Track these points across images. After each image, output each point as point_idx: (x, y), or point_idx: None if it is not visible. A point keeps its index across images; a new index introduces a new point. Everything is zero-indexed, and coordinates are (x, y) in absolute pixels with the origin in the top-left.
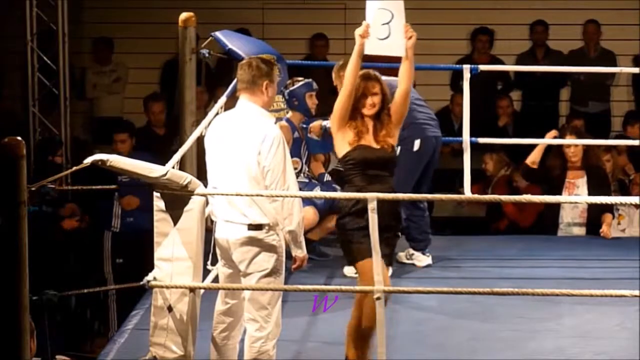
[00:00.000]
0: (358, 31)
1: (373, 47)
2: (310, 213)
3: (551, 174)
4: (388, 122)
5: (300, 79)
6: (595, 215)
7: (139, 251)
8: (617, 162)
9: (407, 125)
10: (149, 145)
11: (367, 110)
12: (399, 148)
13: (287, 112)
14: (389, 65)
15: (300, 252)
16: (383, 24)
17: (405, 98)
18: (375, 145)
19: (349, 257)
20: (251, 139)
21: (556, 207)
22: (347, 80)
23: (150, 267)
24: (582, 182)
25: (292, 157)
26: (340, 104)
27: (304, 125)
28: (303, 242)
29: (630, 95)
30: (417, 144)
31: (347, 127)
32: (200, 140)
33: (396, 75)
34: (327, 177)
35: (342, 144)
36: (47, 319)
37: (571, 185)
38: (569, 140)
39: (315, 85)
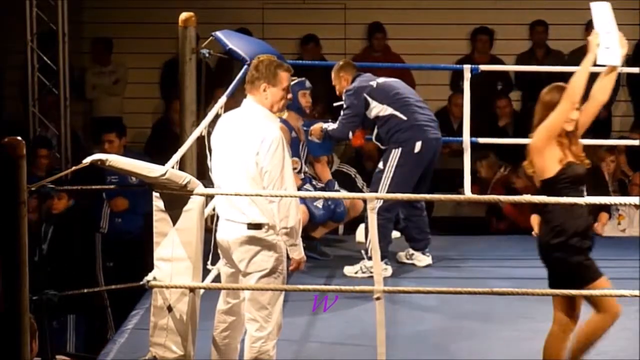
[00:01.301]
0: (595, 40)
1: (599, 57)
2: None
3: None
4: (577, 136)
5: (293, 77)
6: (594, 216)
7: (127, 254)
8: (618, 163)
9: (409, 127)
10: (165, 143)
11: (569, 126)
12: (400, 149)
13: (285, 112)
14: (389, 65)
15: (297, 255)
16: (607, 32)
17: (599, 110)
18: (576, 161)
19: (580, 278)
20: (251, 140)
21: None
22: (575, 92)
23: (140, 269)
24: None
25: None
26: (560, 117)
27: (305, 128)
28: (300, 244)
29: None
30: (418, 145)
31: (553, 143)
32: (200, 140)
33: (393, 76)
34: (337, 186)
35: (551, 161)
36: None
37: None
38: None
39: (308, 84)
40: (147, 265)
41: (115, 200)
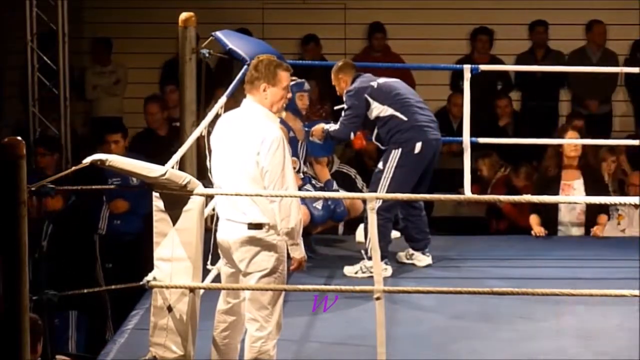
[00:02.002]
0: None
1: None
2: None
3: (547, 175)
4: None
5: (293, 78)
6: (593, 217)
7: (126, 255)
8: (618, 163)
9: (409, 128)
10: (149, 146)
11: None
12: (400, 150)
13: (283, 112)
14: (389, 65)
15: (298, 254)
16: None
17: None
18: None
19: None
20: (251, 140)
21: (555, 207)
22: None
23: (140, 270)
24: (578, 184)
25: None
26: None
27: (306, 129)
28: (301, 244)
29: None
30: (418, 146)
31: None
32: (200, 140)
33: (393, 76)
34: (335, 186)
35: None
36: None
37: (567, 187)
38: (568, 140)
39: (307, 86)
40: (147, 265)
41: (115, 202)
